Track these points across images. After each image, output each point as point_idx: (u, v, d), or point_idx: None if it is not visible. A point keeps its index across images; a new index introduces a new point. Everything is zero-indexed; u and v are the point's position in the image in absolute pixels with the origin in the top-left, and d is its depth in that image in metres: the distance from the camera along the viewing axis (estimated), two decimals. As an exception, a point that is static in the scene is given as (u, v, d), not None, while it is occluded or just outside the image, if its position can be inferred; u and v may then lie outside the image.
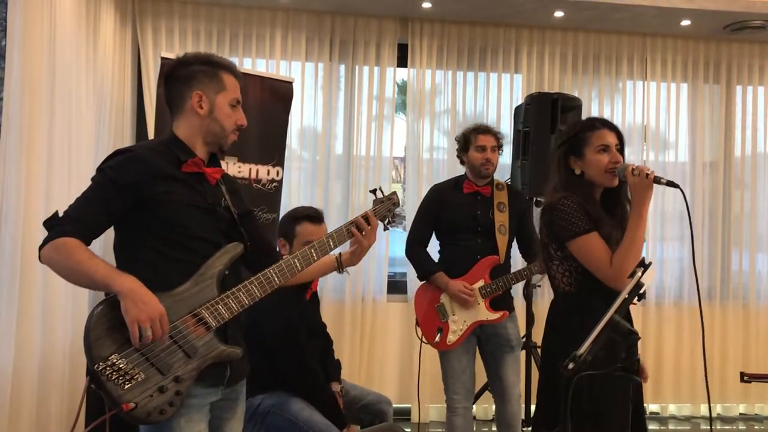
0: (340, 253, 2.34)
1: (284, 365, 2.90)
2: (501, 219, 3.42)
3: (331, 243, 2.19)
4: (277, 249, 3.05)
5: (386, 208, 2.38)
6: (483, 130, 3.47)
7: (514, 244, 3.59)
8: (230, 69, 2.05)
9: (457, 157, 3.57)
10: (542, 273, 3.39)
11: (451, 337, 3.39)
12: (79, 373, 3.67)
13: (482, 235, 3.42)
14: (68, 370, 3.52)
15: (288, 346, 2.89)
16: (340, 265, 2.35)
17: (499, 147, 3.50)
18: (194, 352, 1.85)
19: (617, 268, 2.20)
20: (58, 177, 3.34)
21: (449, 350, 3.41)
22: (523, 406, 4.18)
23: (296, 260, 2.10)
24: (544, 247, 2.41)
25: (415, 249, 3.56)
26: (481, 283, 3.41)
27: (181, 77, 2.01)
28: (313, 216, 3.00)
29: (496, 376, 3.46)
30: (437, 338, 3.40)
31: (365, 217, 2.25)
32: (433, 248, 3.64)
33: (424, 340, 3.48)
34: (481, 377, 3.72)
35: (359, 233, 2.23)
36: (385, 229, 2.43)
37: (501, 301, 3.44)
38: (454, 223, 3.47)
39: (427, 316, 3.46)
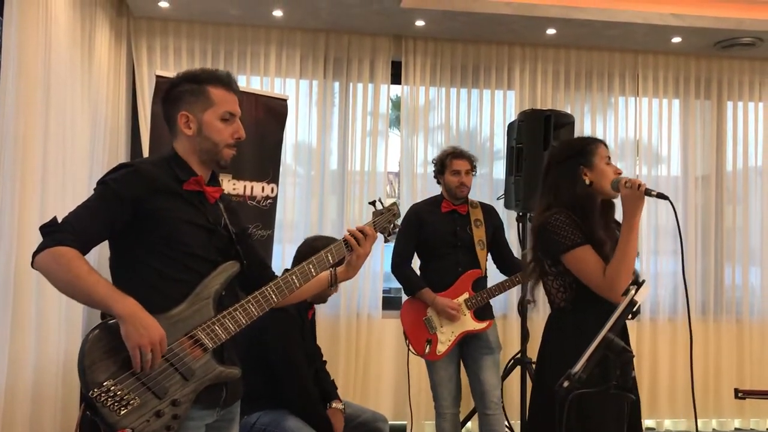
0: (335, 268, 2.29)
1: (284, 385, 2.89)
2: (479, 234, 3.64)
3: (330, 258, 2.16)
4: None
5: (386, 220, 2.37)
6: (458, 154, 3.66)
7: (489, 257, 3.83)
8: (220, 81, 1.99)
9: (434, 178, 3.79)
10: (525, 283, 3.51)
11: (441, 348, 3.57)
12: (72, 389, 3.66)
13: (462, 250, 3.62)
14: (61, 386, 3.50)
15: (289, 366, 2.89)
16: (334, 280, 2.28)
17: (473, 169, 3.70)
18: (191, 374, 1.82)
19: (610, 278, 2.23)
20: (53, 194, 3.33)
21: (437, 361, 3.58)
22: (519, 421, 4.17)
23: (294, 277, 2.07)
24: (538, 263, 2.43)
25: (401, 267, 3.72)
26: (465, 295, 3.60)
27: (170, 98, 2.00)
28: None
29: (476, 378, 3.60)
30: (427, 350, 3.59)
31: (361, 229, 2.21)
32: (415, 265, 3.82)
33: (413, 351, 3.66)
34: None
35: (355, 242, 2.18)
36: (386, 241, 2.42)
37: (484, 311, 3.65)
38: (435, 239, 3.65)
39: (416, 329, 3.66)
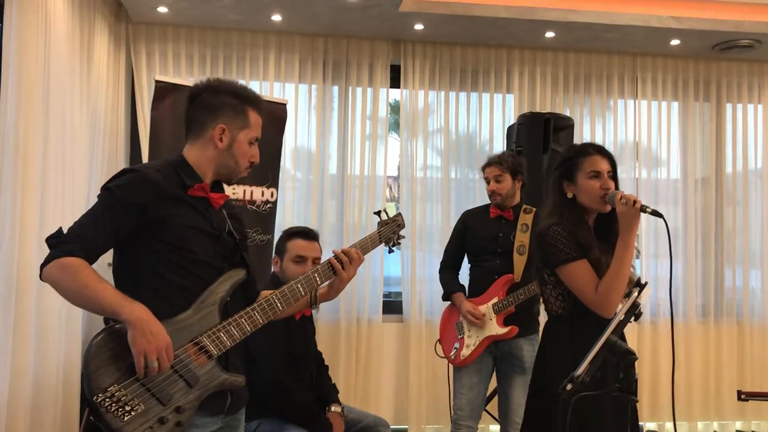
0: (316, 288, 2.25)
1: (270, 397, 2.87)
2: (522, 239, 3.48)
3: (333, 268, 2.17)
4: (271, 267, 3.05)
5: (391, 230, 2.38)
6: (487, 163, 3.58)
7: None
8: (257, 105, 2.02)
9: None
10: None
11: (465, 352, 3.47)
12: (72, 396, 3.65)
13: (502, 256, 3.51)
14: (61, 393, 3.49)
15: (271, 379, 2.86)
16: (314, 300, 2.25)
17: (511, 173, 3.50)
18: (196, 381, 1.82)
19: (602, 295, 2.24)
20: (53, 200, 3.33)
21: (463, 366, 3.49)
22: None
23: (299, 285, 2.07)
24: (538, 271, 2.45)
25: (443, 272, 3.70)
26: (495, 299, 3.47)
27: (207, 104, 1.97)
28: (305, 232, 3.03)
29: (504, 394, 3.52)
30: (453, 353, 3.52)
31: (347, 253, 2.18)
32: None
33: (441, 355, 3.61)
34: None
35: (340, 266, 2.16)
36: (390, 251, 2.41)
37: (517, 321, 3.45)
38: (477, 245, 3.59)
39: (448, 333, 3.61)
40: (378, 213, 2.41)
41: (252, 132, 2.01)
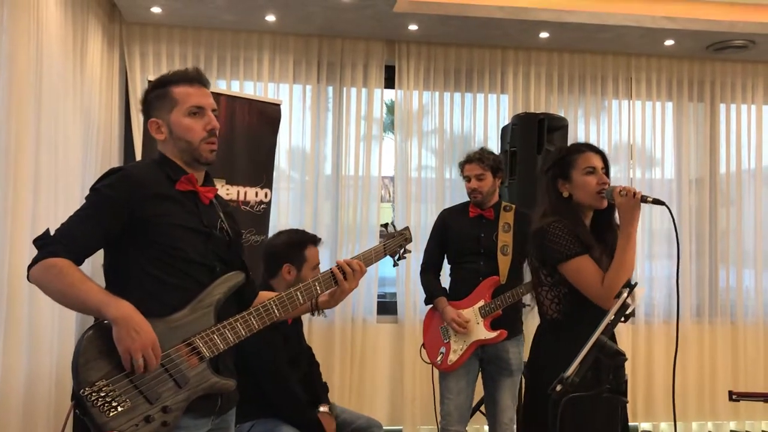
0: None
1: (266, 389, 2.88)
2: (505, 239, 3.42)
3: (335, 278, 2.14)
4: (282, 274, 3.00)
5: (397, 243, 2.35)
6: (467, 159, 3.50)
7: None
8: (182, 79, 1.95)
9: None
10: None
11: (452, 357, 3.41)
12: (65, 397, 3.63)
13: (485, 257, 3.44)
14: (54, 394, 3.48)
15: (269, 369, 2.87)
16: (315, 307, 2.21)
17: (492, 171, 3.45)
18: (185, 382, 1.79)
19: (608, 287, 2.23)
20: (45, 201, 3.32)
21: (450, 372, 3.42)
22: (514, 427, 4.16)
23: (298, 293, 2.05)
24: (534, 272, 2.42)
25: (422, 274, 3.62)
26: (481, 303, 3.41)
27: (144, 109, 2.00)
28: (315, 238, 3.04)
29: (491, 398, 3.47)
30: (439, 359, 3.45)
31: (350, 264, 2.15)
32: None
33: (427, 360, 3.52)
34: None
35: (342, 276, 2.13)
36: (395, 264, 2.38)
37: (504, 323, 3.42)
38: (458, 245, 3.51)
39: (432, 337, 3.52)
40: (385, 225, 2.37)
41: (182, 106, 1.92)
